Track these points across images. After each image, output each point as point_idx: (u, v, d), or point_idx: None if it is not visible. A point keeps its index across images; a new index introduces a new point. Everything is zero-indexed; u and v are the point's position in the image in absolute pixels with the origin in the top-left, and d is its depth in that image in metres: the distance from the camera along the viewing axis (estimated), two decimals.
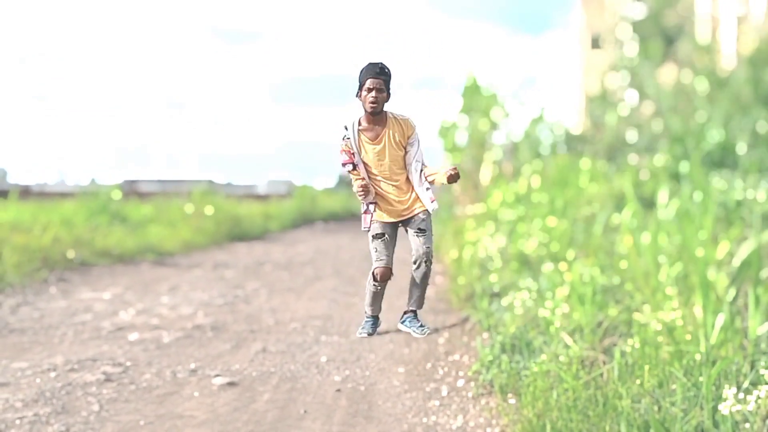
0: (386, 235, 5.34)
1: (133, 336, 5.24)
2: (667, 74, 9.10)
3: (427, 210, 5.35)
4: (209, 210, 14.41)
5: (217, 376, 4.16)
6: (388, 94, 5.32)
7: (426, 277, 5.37)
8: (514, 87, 9.66)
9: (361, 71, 5.30)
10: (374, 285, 5.38)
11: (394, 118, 5.34)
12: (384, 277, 5.37)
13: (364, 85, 5.26)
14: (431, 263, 5.36)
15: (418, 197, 5.30)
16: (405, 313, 5.48)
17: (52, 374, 4.16)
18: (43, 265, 8.42)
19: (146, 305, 6.58)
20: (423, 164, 5.22)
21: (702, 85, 7.32)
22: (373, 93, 5.20)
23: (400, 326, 5.45)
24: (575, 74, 35.91)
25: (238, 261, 10.93)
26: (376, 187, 5.30)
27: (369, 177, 5.33)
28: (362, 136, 5.31)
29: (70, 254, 9.21)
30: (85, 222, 12.04)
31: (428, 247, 5.28)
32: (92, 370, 4.23)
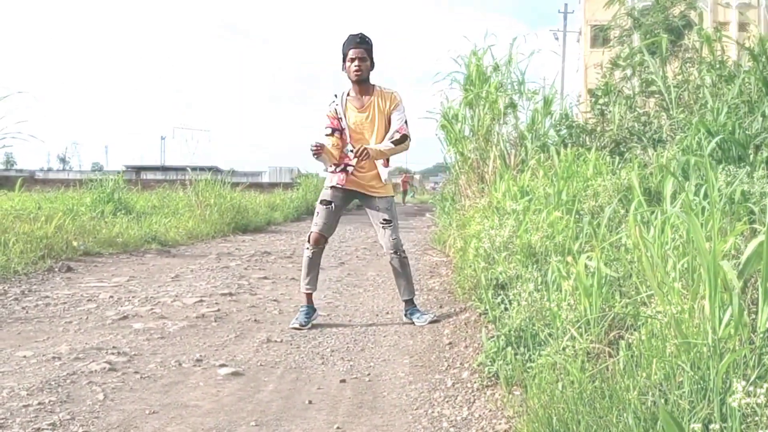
0: (333, 205, 5.36)
1: (137, 325, 5.24)
2: (673, 68, 9.05)
3: (390, 196, 5.36)
4: (213, 200, 14.42)
5: (222, 365, 4.16)
6: (372, 63, 5.34)
7: (403, 265, 5.38)
8: (520, 78, 9.60)
9: (343, 44, 5.31)
10: (307, 249, 5.37)
11: (381, 90, 5.35)
12: (317, 242, 5.36)
13: (347, 56, 5.28)
14: (403, 252, 5.37)
15: (381, 182, 5.32)
16: (405, 304, 5.49)
17: (57, 363, 4.16)
18: (47, 254, 8.43)
19: (150, 294, 6.59)
20: (397, 131, 5.23)
21: (708, 78, 7.29)
22: (356, 62, 5.24)
23: (405, 318, 5.46)
24: (580, 66, 35.80)
25: (243, 251, 10.94)
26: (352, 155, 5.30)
27: (350, 143, 5.33)
28: (349, 104, 5.33)
29: (75, 243, 9.23)
30: (89, 211, 12.06)
31: (395, 239, 5.30)
32: (97, 359, 4.24)
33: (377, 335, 5.06)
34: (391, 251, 5.30)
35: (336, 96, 5.36)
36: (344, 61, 5.24)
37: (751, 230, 3.53)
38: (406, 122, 5.25)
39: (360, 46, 5.18)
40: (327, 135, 5.29)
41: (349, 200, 5.50)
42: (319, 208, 5.39)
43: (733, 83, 6.39)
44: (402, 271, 5.38)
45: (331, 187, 5.36)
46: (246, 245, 12.03)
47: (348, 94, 5.34)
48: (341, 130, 5.31)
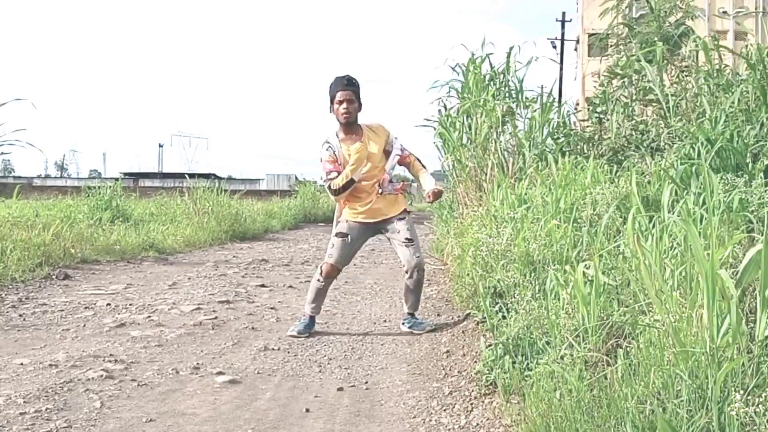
0: (349, 237, 5.32)
1: (134, 333, 5.23)
2: (670, 76, 9.06)
3: (404, 214, 5.34)
4: (211, 207, 14.41)
5: (220, 373, 4.15)
6: (360, 104, 5.33)
7: (420, 283, 5.36)
8: (517, 86, 9.58)
9: (330, 86, 5.31)
10: (318, 281, 5.35)
11: (368, 127, 5.37)
12: (329, 274, 5.33)
13: (334, 98, 5.27)
14: (423, 271, 5.34)
15: (395, 201, 5.33)
16: (405, 315, 5.48)
17: (54, 370, 4.15)
18: (44, 261, 8.42)
19: (148, 302, 6.58)
20: (408, 155, 5.31)
21: (706, 87, 7.29)
22: (345, 104, 5.23)
23: (402, 327, 5.45)
24: (577, 74, 35.86)
25: (240, 259, 10.93)
26: (355, 189, 5.31)
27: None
28: (343, 146, 5.32)
29: (72, 250, 9.22)
30: (87, 218, 12.05)
31: (418, 257, 5.27)
32: (94, 367, 4.23)
33: (375, 343, 5.05)
34: (414, 269, 5.24)
35: (328, 141, 5.30)
36: (332, 103, 5.23)
37: (749, 239, 3.53)
38: (402, 149, 5.37)
39: (348, 88, 5.18)
40: (332, 179, 5.24)
41: (367, 235, 5.47)
42: (334, 240, 5.35)
43: (731, 92, 6.40)
44: (415, 288, 5.36)
45: (347, 219, 5.36)
46: (243, 253, 12.02)
47: (338, 136, 5.33)
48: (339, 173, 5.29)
